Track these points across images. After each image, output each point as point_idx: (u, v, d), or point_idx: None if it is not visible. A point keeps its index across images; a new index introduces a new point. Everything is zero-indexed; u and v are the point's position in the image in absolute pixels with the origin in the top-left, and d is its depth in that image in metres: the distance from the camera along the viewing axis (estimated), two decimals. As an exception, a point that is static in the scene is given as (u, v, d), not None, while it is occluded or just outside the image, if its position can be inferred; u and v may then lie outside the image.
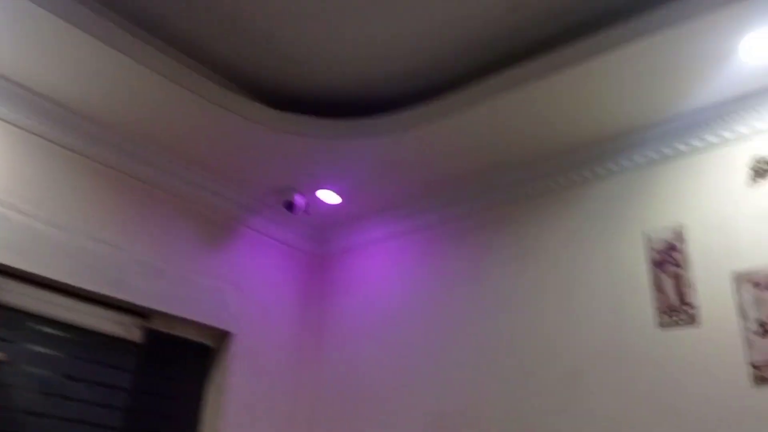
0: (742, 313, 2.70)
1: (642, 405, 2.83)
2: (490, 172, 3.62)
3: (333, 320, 4.16)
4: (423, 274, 3.83)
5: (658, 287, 2.97)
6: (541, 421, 3.08)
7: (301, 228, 4.32)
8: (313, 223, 4.28)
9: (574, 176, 3.40)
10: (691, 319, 2.83)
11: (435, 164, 3.62)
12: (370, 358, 3.85)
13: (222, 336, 3.86)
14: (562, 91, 2.96)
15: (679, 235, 2.98)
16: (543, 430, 3.06)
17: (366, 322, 3.97)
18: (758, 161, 2.85)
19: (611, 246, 3.18)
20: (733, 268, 2.78)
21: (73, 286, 3.19)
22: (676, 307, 2.88)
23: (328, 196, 3.97)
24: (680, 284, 2.91)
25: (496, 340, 3.39)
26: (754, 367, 2.61)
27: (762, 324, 2.64)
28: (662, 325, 2.90)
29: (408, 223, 3.99)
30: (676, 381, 2.78)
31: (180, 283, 3.65)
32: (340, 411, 3.87)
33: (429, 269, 3.82)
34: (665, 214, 3.07)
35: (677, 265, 2.94)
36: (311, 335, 4.22)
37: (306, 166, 3.71)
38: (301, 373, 4.12)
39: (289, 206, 3.85)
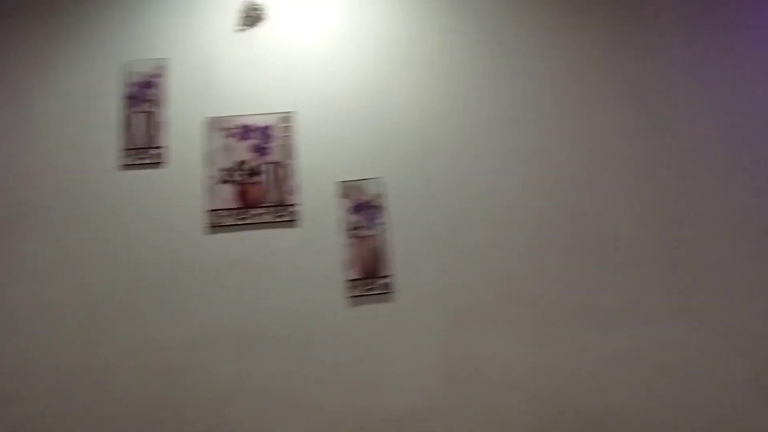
0: (209, 160, 2.59)
1: (90, 247, 2.50)
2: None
3: None
4: None
5: (128, 125, 2.63)
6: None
7: None
8: None
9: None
10: (157, 161, 2.59)
11: None
12: None
13: None
14: None
15: (160, 72, 2.69)
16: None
17: None
18: (249, 7, 2.73)
19: (82, 74, 2.70)
20: (208, 114, 2.64)
21: None
22: (143, 147, 2.60)
23: None
24: (152, 124, 2.63)
25: None
26: (211, 213, 2.53)
27: (225, 171, 2.57)
28: (125, 165, 2.59)
29: None
30: (130, 227, 2.53)
31: None
32: None
33: None
34: (148, 47, 2.73)
35: (152, 103, 2.65)
36: None
37: None
38: None
39: None
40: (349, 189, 2.57)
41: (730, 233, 2.58)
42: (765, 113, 2.73)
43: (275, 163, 2.58)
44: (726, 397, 2.41)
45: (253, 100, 2.65)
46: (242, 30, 2.71)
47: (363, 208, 2.55)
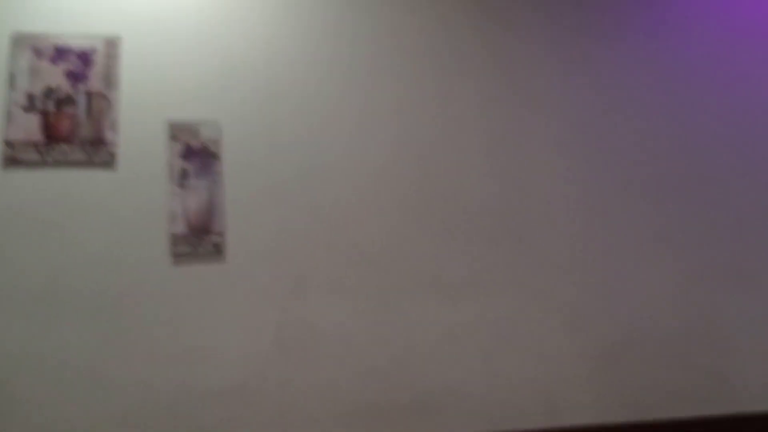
0: (11, 82, 2.17)
1: None
2: None
3: None
4: None
5: None
6: None
7: None
8: None
9: None
10: (-56, 78, 2.15)
11: None
12: None
13: None
14: None
15: (-42, -27, 2.23)
16: None
17: None
18: None
19: None
20: (17, 29, 2.22)
21: None
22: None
23: None
24: (-58, 34, 2.18)
25: None
26: (8, 145, 2.12)
27: (30, 97, 2.16)
28: None
29: None
30: None
31: None
32: None
33: None
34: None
35: (-56, 9, 2.20)
36: None
37: None
38: None
39: None
40: (179, 130, 2.24)
41: (571, 212, 2.49)
42: (617, 94, 2.67)
43: (93, 93, 2.20)
44: (557, 371, 2.32)
45: (70, 19, 2.26)
46: (65, -66, 2.30)
47: (195, 153, 2.23)
